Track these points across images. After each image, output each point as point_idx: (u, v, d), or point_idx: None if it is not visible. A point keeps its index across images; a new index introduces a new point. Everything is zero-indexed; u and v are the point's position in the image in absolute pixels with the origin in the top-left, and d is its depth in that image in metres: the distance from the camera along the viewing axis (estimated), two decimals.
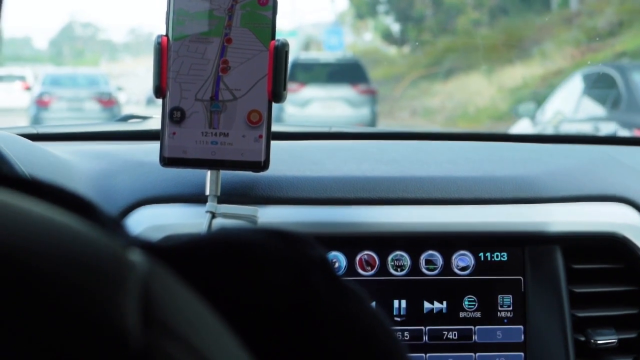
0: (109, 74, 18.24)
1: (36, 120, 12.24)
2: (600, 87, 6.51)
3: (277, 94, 0.87)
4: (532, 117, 6.70)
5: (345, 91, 11.39)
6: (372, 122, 11.20)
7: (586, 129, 6.11)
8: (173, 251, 0.36)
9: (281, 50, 0.87)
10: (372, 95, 11.58)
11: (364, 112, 11.26)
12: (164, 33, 0.87)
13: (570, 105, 6.58)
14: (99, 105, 13.05)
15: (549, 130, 6.32)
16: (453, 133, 1.24)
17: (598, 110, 6.38)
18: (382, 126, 11.47)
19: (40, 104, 12.89)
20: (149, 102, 18.27)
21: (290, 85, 10.98)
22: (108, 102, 13.23)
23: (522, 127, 6.82)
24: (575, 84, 6.83)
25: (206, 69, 0.87)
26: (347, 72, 11.69)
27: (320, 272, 0.39)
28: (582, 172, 1.08)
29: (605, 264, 1.02)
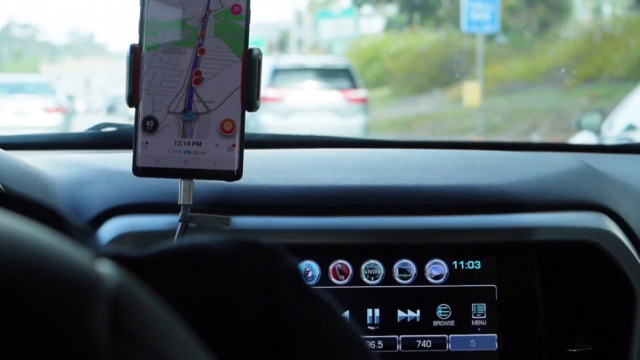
0: (50, 76, 18.58)
1: None
2: None
3: (250, 103, 1.00)
4: (597, 131, 6.14)
5: (333, 100, 11.46)
6: (365, 135, 11.26)
7: None
8: (142, 261, 0.40)
9: (254, 60, 1.00)
10: (364, 104, 11.66)
11: (355, 122, 11.33)
12: (137, 42, 0.99)
13: None
14: (48, 114, 13.44)
15: None
16: (428, 141, 1.41)
17: None
18: None
19: None
20: (110, 110, 18.41)
21: (272, 94, 11.06)
22: (57, 110, 13.65)
23: (583, 140, 6.28)
24: None
25: (179, 81, 0.99)
26: (336, 78, 11.75)
27: (291, 283, 0.43)
28: (558, 180, 1.24)
29: (580, 272, 1.18)
